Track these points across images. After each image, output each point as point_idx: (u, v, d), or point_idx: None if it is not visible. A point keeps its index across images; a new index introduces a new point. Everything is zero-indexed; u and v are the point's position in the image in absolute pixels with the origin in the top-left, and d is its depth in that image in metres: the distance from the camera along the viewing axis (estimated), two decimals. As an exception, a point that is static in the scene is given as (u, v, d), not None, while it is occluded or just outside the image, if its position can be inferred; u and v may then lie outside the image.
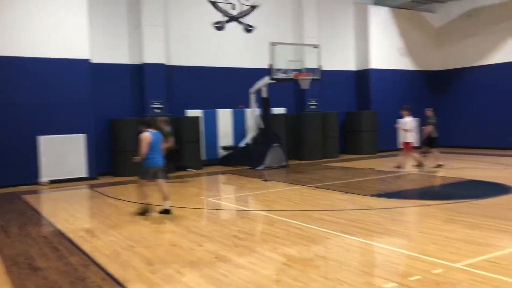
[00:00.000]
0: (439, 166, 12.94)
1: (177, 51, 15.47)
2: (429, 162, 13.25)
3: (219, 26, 16.28)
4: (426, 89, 20.85)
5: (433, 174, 12.10)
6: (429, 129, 13.25)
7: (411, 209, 8.18)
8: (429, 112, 13.47)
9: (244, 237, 6.51)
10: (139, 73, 14.78)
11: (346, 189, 10.22)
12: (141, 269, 5.24)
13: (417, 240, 6.11)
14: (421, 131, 13.51)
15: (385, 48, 19.61)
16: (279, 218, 7.65)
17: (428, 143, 13.43)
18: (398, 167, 12.90)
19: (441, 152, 13.72)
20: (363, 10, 19.32)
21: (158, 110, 14.62)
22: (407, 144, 12.87)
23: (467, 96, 20.06)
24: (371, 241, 6.16)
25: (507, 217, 7.01)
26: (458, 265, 4.88)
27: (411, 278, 4.56)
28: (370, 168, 13.71)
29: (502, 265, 4.84)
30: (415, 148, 13.55)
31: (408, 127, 12.74)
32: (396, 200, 9.01)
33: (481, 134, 19.43)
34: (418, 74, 20.60)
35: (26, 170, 12.42)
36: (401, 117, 13.12)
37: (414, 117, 13.50)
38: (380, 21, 19.48)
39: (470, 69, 19.96)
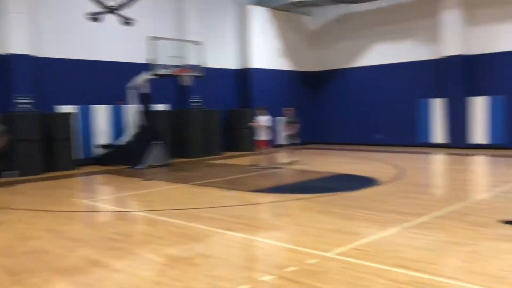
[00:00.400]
0: (291, 163, 13.68)
1: (48, 42, 14.30)
2: (284, 158, 13.93)
3: (95, 18, 15.40)
4: (303, 89, 21.92)
5: (305, 169, 12.75)
6: (292, 127, 14.08)
7: (289, 203, 8.52)
8: (288, 112, 14.25)
9: (121, 240, 6.22)
10: (3, 65, 13.38)
11: (229, 185, 10.32)
12: (2, 280, 4.72)
13: (294, 233, 6.37)
14: (290, 129, 14.30)
15: (265, 48, 20.22)
16: (160, 218, 7.45)
17: (290, 141, 14.25)
18: (266, 163, 13.17)
19: (315, 149, 14.52)
20: (243, 10, 19.70)
21: (25, 106, 13.38)
22: (261, 141, 13.27)
23: (338, 96, 21.51)
24: (251, 235, 6.27)
25: (372, 207, 7.62)
26: (330, 254, 5.17)
27: (287, 270, 4.72)
28: (252, 165, 14.03)
29: (368, 252, 5.23)
30: (274, 146, 14.12)
31: (263, 125, 13.13)
32: (275, 194, 9.32)
33: (350, 131, 20.98)
34: (296, 74, 21.58)
35: None
36: (256, 116, 13.41)
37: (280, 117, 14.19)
38: (260, 22, 20.03)
39: (341, 70, 21.42)
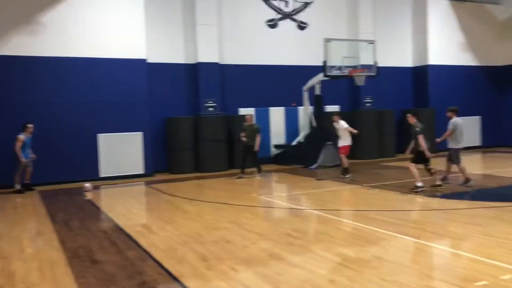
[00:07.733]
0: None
1: (230, 49, 15.54)
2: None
3: (272, 24, 16.22)
4: (488, 86, 19.80)
5: (492, 175, 11.43)
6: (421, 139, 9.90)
7: (477, 211, 7.76)
8: (411, 119, 10.18)
9: (298, 236, 6.42)
10: (194, 72, 14.97)
11: (403, 189, 9.85)
12: (196, 265, 5.27)
13: (481, 243, 5.76)
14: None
15: (445, 42, 18.79)
16: (333, 217, 7.49)
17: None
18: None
19: (502, 152, 12.81)
20: (421, 4, 18.61)
21: (211, 109, 14.78)
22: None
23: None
24: (430, 242, 5.88)
25: None
26: (528, 270, 4.56)
27: (477, 283, 4.29)
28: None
29: None
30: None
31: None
32: (458, 201, 8.58)
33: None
34: (480, 70, 19.60)
35: (87, 167, 12.93)
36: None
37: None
38: (440, 15, 18.70)
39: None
